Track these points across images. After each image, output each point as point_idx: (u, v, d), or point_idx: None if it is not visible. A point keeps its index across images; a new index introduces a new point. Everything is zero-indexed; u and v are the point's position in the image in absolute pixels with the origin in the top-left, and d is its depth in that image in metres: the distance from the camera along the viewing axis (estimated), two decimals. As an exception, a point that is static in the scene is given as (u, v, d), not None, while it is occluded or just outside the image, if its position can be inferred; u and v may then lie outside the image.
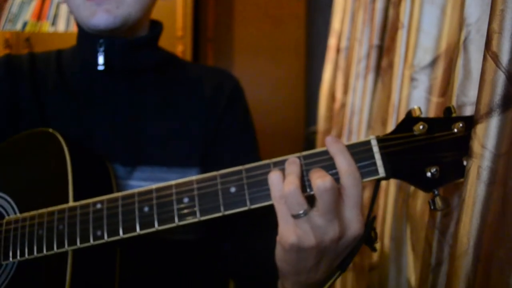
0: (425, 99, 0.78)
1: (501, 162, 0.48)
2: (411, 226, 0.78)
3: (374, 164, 0.55)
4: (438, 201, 0.54)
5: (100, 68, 0.76)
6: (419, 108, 0.56)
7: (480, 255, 0.51)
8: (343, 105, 1.43)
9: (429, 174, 0.54)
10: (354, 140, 1.18)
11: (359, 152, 0.55)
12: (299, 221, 0.53)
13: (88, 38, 0.77)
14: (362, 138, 1.10)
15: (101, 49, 0.75)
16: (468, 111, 0.58)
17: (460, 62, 0.58)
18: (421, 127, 0.54)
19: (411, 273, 0.77)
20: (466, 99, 0.58)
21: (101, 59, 0.75)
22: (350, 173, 0.53)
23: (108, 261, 0.68)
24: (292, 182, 0.52)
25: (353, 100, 1.24)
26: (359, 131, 1.14)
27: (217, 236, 0.82)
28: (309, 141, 2.07)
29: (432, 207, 0.55)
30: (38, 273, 0.64)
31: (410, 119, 0.56)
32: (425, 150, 0.54)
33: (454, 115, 0.55)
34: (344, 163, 0.54)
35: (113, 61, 0.76)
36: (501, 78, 0.47)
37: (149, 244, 0.71)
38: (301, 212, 0.52)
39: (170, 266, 0.79)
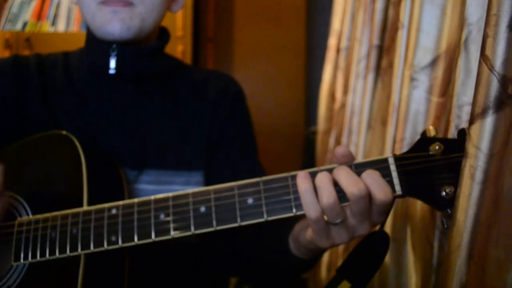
0: (425, 99, 0.78)
1: (493, 162, 0.49)
2: (411, 226, 0.78)
3: (391, 182, 0.55)
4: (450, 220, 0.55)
5: (112, 72, 0.76)
6: (434, 128, 0.57)
7: (473, 251, 0.51)
8: (343, 105, 1.43)
9: (444, 193, 0.55)
10: (354, 140, 1.18)
11: (377, 169, 0.56)
12: (335, 226, 0.55)
13: (100, 42, 0.77)
14: (362, 138, 1.11)
15: (114, 53, 0.76)
16: (469, 110, 0.58)
17: (461, 62, 0.58)
18: (437, 147, 0.55)
19: (412, 273, 0.77)
20: (467, 99, 0.59)
21: (113, 63, 0.76)
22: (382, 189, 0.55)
23: (118, 265, 0.68)
24: (331, 194, 0.54)
25: (353, 100, 1.24)
26: (359, 131, 1.14)
27: (219, 238, 0.82)
28: (309, 141, 2.06)
29: (445, 226, 0.56)
30: (48, 276, 0.63)
31: (426, 139, 0.57)
32: (441, 170, 0.55)
33: (468, 137, 0.56)
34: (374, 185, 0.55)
35: (122, 67, 0.77)
36: (494, 81, 0.47)
37: (156, 247, 0.71)
38: (339, 220, 0.55)
39: (175, 268, 0.79)
